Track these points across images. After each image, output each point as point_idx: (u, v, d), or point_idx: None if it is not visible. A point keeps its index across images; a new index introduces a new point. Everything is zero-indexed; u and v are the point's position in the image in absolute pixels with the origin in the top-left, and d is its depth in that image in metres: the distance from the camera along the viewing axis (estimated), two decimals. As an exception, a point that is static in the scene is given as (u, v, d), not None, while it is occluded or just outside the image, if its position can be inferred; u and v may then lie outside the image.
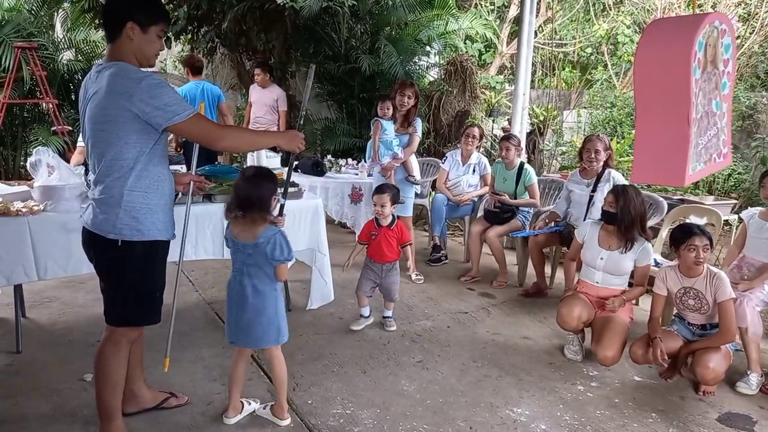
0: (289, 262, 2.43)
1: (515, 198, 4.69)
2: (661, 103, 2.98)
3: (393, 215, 3.58)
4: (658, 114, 3.00)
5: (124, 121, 2.04)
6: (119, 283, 2.23)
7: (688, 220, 3.98)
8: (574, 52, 9.56)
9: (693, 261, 2.91)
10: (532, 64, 8.72)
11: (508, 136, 4.83)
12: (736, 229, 4.47)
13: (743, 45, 7.15)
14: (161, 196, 2.21)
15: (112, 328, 2.26)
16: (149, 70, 2.22)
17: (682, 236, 2.96)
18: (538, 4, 8.52)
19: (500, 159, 4.79)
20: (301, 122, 2.70)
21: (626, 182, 4.14)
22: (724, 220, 4.75)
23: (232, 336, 2.51)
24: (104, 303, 2.27)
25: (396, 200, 3.55)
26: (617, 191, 3.28)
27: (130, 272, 2.20)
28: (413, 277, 4.65)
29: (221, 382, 2.90)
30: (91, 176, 2.20)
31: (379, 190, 3.55)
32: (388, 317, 3.70)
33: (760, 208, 3.42)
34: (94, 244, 2.20)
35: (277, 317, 2.46)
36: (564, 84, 9.59)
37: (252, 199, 2.31)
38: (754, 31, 7.30)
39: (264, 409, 2.61)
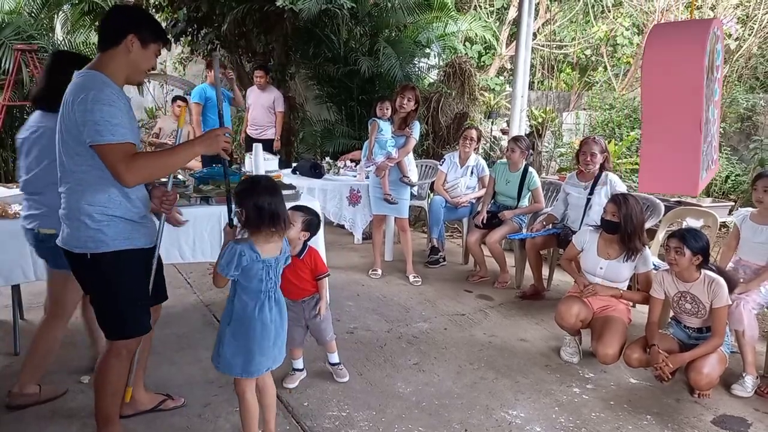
0: None
1: (518, 202, 4.71)
2: (670, 110, 2.88)
3: (305, 244, 2.82)
4: (668, 121, 2.90)
5: (74, 131, 1.99)
6: (99, 297, 2.20)
7: (684, 223, 4.01)
8: (573, 53, 9.57)
9: (668, 261, 2.95)
10: (532, 65, 8.75)
11: (516, 138, 4.82)
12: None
13: (741, 47, 7.15)
14: (126, 210, 2.13)
15: (112, 341, 2.24)
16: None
17: (668, 238, 2.98)
18: (537, 6, 8.55)
19: (505, 159, 4.80)
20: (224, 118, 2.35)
21: (623, 186, 4.15)
22: (722, 222, 4.75)
23: (268, 362, 2.27)
24: (96, 317, 2.26)
25: (309, 229, 2.74)
26: (618, 201, 3.24)
27: (104, 285, 2.16)
28: (411, 279, 4.66)
29: (218, 384, 2.91)
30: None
31: (295, 207, 2.74)
32: (336, 364, 3.04)
33: (750, 210, 3.41)
34: (68, 260, 2.16)
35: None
36: (565, 86, 9.60)
37: (281, 212, 2.17)
38: (752, 32, 7.31)
39: None
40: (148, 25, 2.14)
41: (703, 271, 2.93)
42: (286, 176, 4.84)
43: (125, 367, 2.30)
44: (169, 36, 8.02)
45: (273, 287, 2.23)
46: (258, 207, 2.10)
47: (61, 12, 8.05)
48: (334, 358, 3.04)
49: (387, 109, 4.54)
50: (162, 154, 2.21)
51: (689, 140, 2.89)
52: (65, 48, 7.78)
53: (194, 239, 3.39)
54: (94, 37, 8.12)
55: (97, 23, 8.20)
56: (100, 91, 1.97)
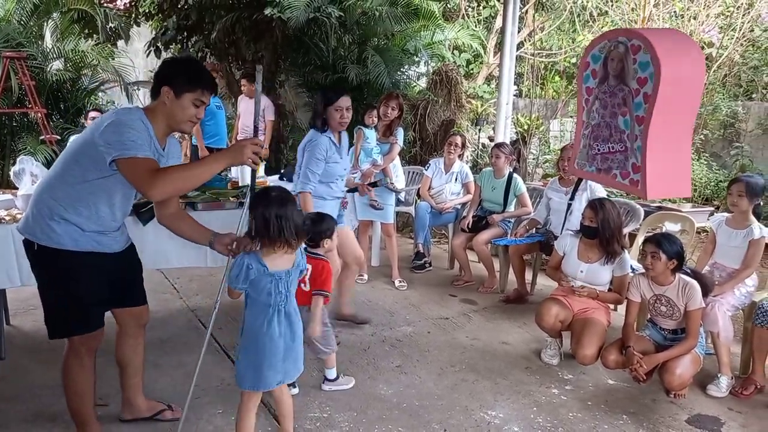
0: None
1: (504, 208, 4.78)
2: (676, 118, 3.08)
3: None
4: (673, 129, 3.11)
5: (87, 144, 2.11)
6: (40, 289, 2.22)
7: (664, 227, 4.09)
8: (560, 61, 9.69)
9: (644, 266, 3.03)
10: (521, 74, 8.85)
11: (499, 144, 4.91)
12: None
13: (722, 55, 7.28)
14: (84, 223, 2.16)
15: (69, 339, 2.25)
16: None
17: (644, 242, 3.05)
18: (524, 15, 8.67)
19: (490, 166, 4.88)
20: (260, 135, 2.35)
21: (603, 191, 4.22)
22: (702, 227, 4.84)
23: (278, 377, 2.25)
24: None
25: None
26: (595, 206, 3.33)
27: (46, 279, 2.19)
28: (396, 283, 4.71)
29: (201, 387, 2.93)
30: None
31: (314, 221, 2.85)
32: (331, 380, 3.00)
33: (726, 215, 3.49)
34: (24, 246, 2.21)
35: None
36: (554, 93, 9.71)
37: (291, 224, 2.12)
38: (733, 40, 7.44)
39: None
40: (182, 75, 2.17)
41: (678, 275, 3.00)
42: (273, 182, 4.88)
43: (88, 367, 2.28)
44: (159, 45, 8.07)
45: (283, 301, 2.20)
46: (265, 218, 2.08)
47: (50, 20, 8.06)
48: (330, 373, 3.01)
49: (375, 118, 4.61)
50: (187, 167, 2.24)
51: (685, 146, 3.21)
52: (54, 55, 7.80)
53: (181, 245, 3.41)
54: (83, 45, 8.14)
55: (86, 31, 8.23)
56: (131, 120, 2.09)
